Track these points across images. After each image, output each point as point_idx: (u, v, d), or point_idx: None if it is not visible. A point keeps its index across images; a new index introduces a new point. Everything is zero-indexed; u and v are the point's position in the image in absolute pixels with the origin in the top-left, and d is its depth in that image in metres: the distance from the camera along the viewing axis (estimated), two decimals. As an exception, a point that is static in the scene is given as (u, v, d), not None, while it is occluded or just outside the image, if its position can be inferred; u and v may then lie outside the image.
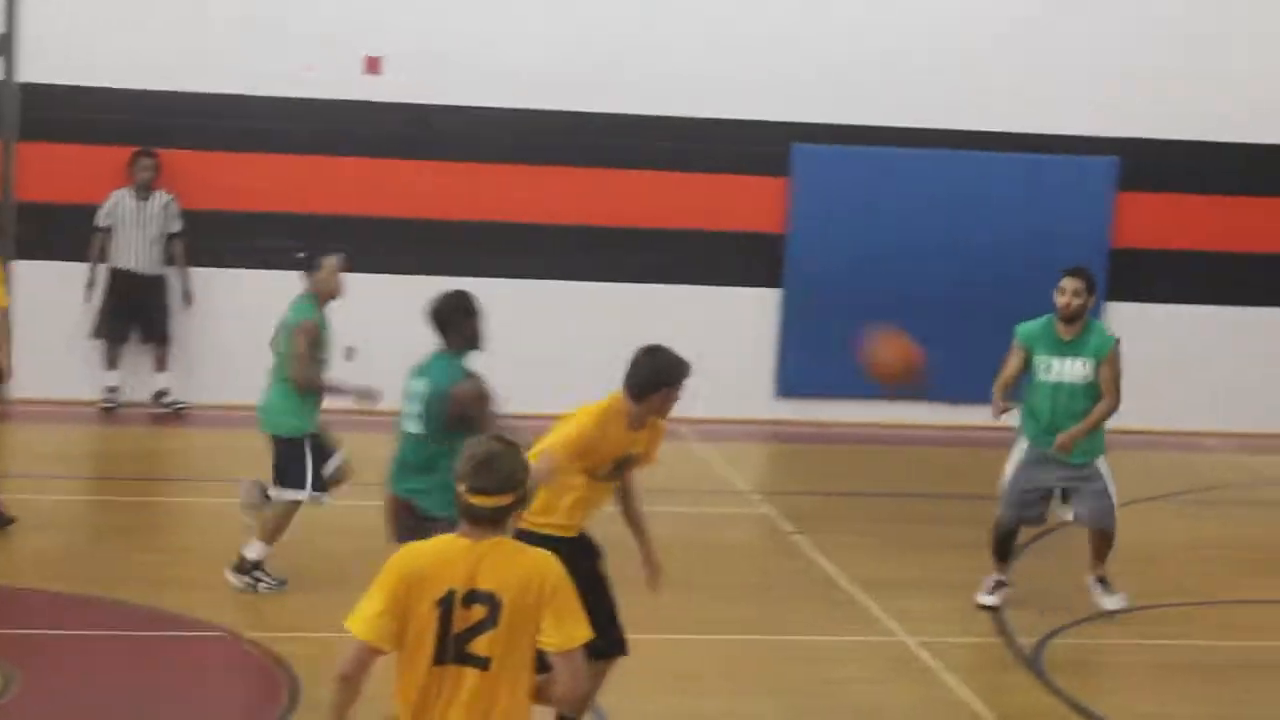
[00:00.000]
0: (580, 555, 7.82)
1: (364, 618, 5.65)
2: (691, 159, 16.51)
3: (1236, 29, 17.08)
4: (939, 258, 16.80)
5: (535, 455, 7.70)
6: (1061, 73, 16.87)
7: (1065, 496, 11.11)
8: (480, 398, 8.82)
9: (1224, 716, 9.88)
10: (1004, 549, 11.24)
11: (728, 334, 16.50)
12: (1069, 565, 11.74)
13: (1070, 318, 10.99)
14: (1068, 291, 10.99)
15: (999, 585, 11.23)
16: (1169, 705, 9.94)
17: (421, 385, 8.93)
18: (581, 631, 5.68)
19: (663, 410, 8.16)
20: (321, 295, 10.90)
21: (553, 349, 15.86)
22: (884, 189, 16.76)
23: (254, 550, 10.87)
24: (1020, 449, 11.10)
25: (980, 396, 16.72)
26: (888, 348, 10.63)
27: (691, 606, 10.61)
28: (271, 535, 10.86)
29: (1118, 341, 11.10)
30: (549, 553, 5.80)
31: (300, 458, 10.78)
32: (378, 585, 5.68)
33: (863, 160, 16.71)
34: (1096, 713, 9.52)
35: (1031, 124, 16.83)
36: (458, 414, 8.73)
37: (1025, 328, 11.22)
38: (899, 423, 16.69)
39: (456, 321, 8.92)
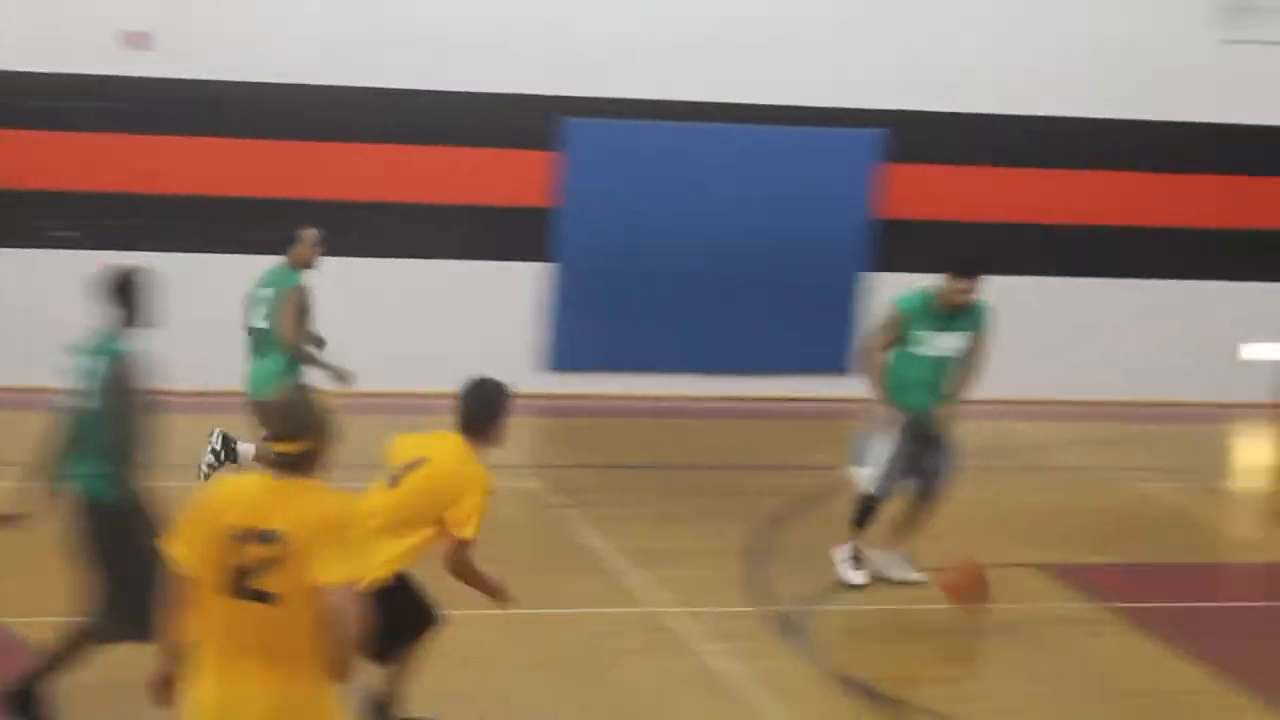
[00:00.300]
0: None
1: (175, 546, 6.13)
2: (460, 133, 16.76)
3: (998, 4, 17.81)
4: (709, 230, 17.28)
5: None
6: (829, 46, 17.39)
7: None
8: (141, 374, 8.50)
9: (980, 676, 10.50)
10: (868, 520, 11.57)
11: (498, 308, 16.88)
12: (835, 532, 12.24)
13: (962, 308, 11.41)
14: (967, 291, 11.38)
15: (859, 557, 11.63)
16: (929, 669, 10.47)
17: (92, 362, 8.51)
18: (358, 570, 6.01)
19: (501, 439, 8.35)
20: (300, 264, 11.92)
21: (321, 325, 16.05)
22: (655, 163, 17.17)
23: None
24: (891, 421, 11.31)
25: (752, 367, 17.53)
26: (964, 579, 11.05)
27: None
28: None
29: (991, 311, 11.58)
30: (347, 495, 6.17)
31: None
32: (182, 517, 6.15)
33: (634, 134, 17.10)
34: (856, 679, 9.99)
35: (800, 97, 17.33)
36: (122, 390, 8.40)
37: (907, 301, 11.43)
38: (668, 395, 17.22)
39: (130, 297, 8.57)
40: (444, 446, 8.25)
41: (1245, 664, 10.78)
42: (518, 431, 13.96)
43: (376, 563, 7.53)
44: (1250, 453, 17.99)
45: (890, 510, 11.66)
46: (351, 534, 6.04)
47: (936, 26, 17.67)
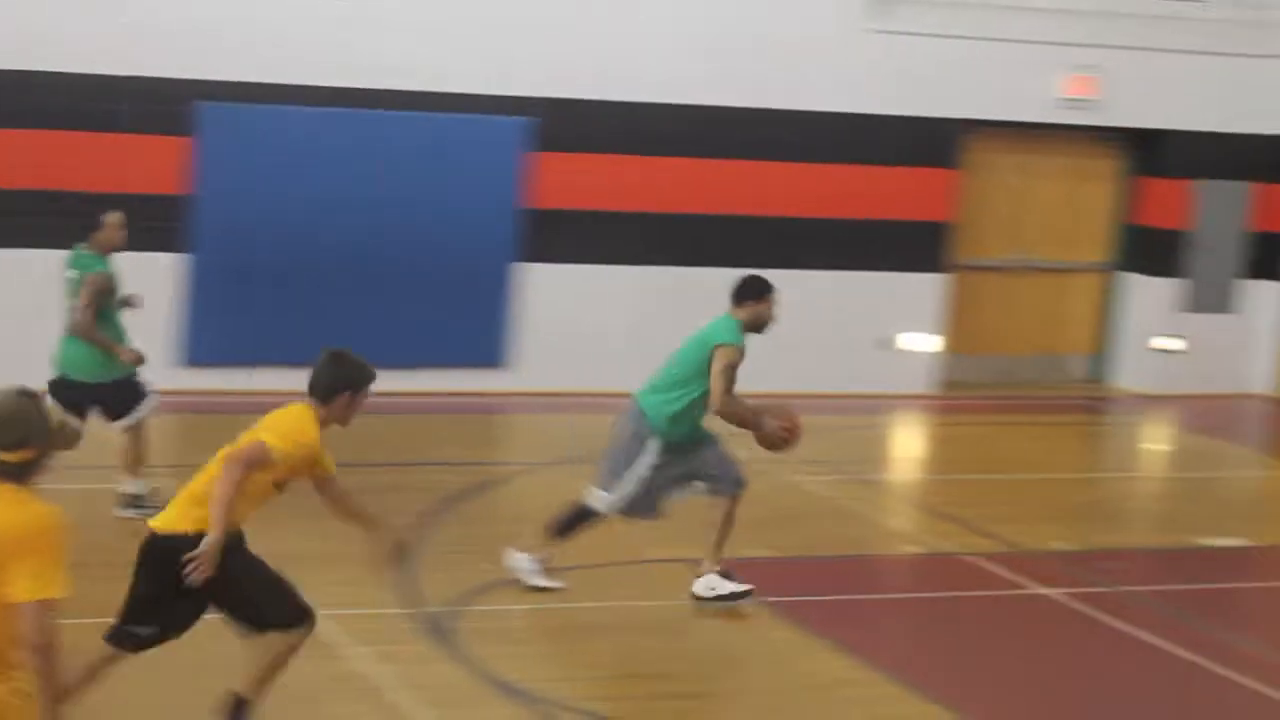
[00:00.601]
0: (232, 545, 8.41)
1: None
2: (92, 119, 16.44)
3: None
4: (351, 219, 17.19)
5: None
6: (476, 32, 17.45)
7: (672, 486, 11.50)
8: None
9: (629, 676, 10.67)
10: (572, 533, 11.56)
11: (131, 300, 16.60)
12: (485, 529, 12.30)
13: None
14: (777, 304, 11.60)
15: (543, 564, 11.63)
16: (579, 669, 10.60)
17: None
18: (53, 589, 5.94)
19: (345, 417, 8.65)
20: (104, 249, 12.43)
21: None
22: (298, 150, 17.01)
23: (131, 485, 12.50)
24: (654, 446, 11.33)
25: (402, 361, 17.48)
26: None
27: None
28: (136, 465, 12.45)
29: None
30: (54, 508, 6.09)
31: (127, 386, 12.38)
32: None
33: (275, 120, 16.93)
34: (504, 680, 10.06)
35: (447, 84, 17.34)
36: None
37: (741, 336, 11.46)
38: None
39: None
40: (283, 416, 8.63)
41: (895, 655, 11.14)
42: (152, 431, 13.86)
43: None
44: (901, 444, 18.55)
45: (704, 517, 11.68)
46: (48, 549, 5.96)
47: (585, 13, 17.85)
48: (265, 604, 8.67)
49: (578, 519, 11.57)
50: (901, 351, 19.34)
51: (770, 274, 18.33)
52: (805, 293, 18.87)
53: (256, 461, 8.39)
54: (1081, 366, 20.88)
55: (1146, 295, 20.60)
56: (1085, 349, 20.83)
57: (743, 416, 11.23)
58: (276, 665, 8.75)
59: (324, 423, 8.65)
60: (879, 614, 11.66)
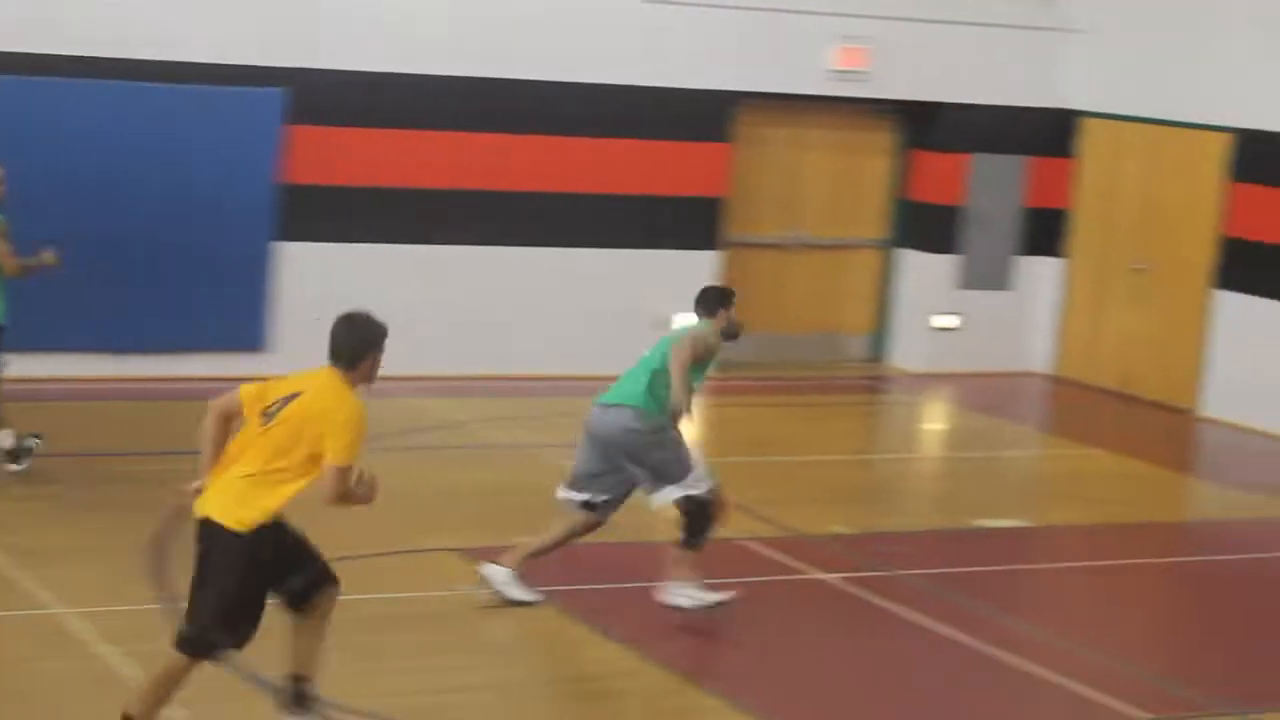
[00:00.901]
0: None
1: None
2: None
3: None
4: (96, 198, 16.89)
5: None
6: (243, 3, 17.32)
7: None
8: None
9: (403, 670, 10.64)
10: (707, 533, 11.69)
11: None
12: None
13: None
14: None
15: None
16: (348, 664, 10.55)
17: None
18: None
19: (371, 376, 8.90)
20: None
21: None
22: (42, 123, 16.67)
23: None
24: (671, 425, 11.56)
25: (150, 345, 17.25)
26: None
27: None
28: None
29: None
30: None
31: None
32: None
33: (14, 91, 16.57)
34: (267, 676, 9.94)
35: (195, 53, 17.09)
36: None
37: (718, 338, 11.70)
38: (71, 377, 16.79)
39: None
40: (316, 380, 8.80)
41: (670, 644, 11.23)
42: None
43: (257, 510, 8.57)
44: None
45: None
46: None
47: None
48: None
49: (700, 516, 11.59)
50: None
51: (539, 253, 18.68)
52: (576, 272, 18.96)
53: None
54: (859, 345, 21.15)
55: (923, 272, 20.91)
56: (862, 327, 21.10)
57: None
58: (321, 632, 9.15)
59: (353, 386, 8.89)
60: (654, 603, 11.72)
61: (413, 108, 18.11)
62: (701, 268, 19.32)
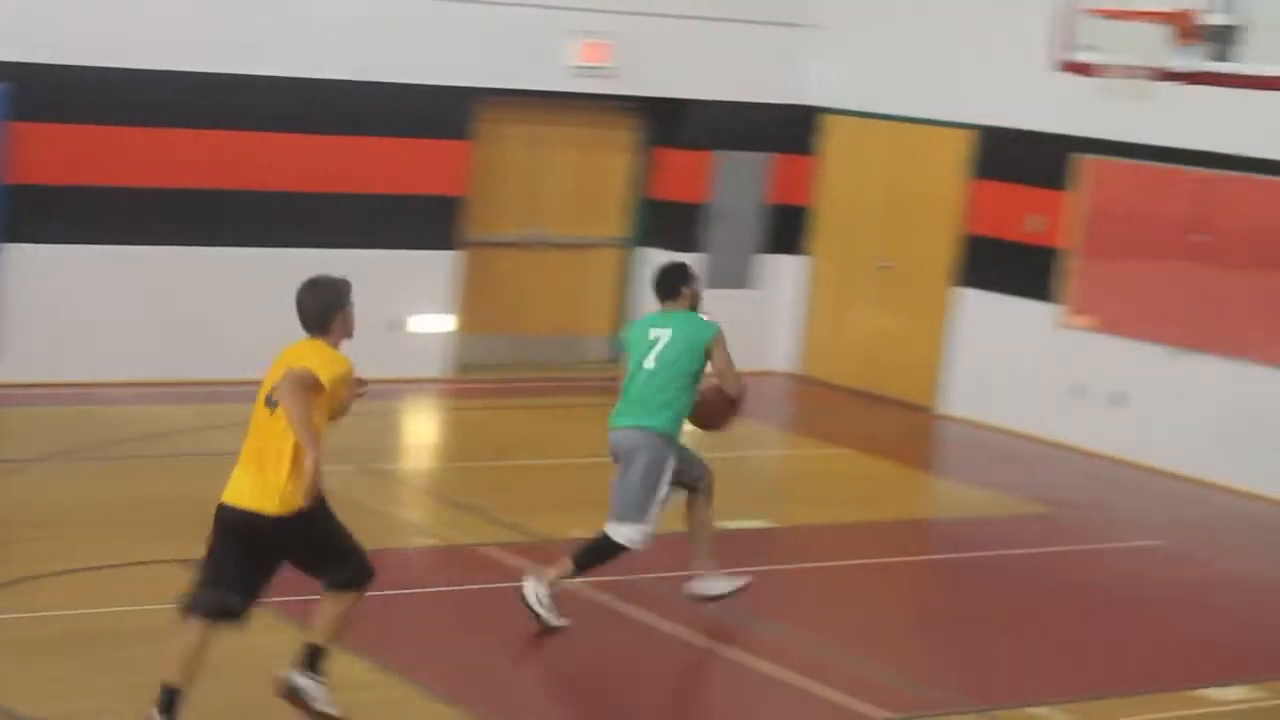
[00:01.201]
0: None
1: None
2: None
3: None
4: None
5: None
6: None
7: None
8: None
9: (131, 686, 10.53)
10: (596, 567, 11.91)
11: None
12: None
13: None
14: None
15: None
16: (70, 682, 10.45)
17: None
18: None
19: (348, 330, 9.40)
20: None
21: None
22: None
23: None
24: (671, 463, 11.85)
25: None
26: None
27: None
28: None
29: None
30: None
31: None
32: None
33: None
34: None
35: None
36: None
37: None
38: None
39: None
40: (302, 350, 9.17)
41: (410, 654, 11.25)
42: None
43: (284, 495, 9.10)
44: (414, 431, 18.64)
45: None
46: None
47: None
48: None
49: (603, 555, 11.81)
50: (413, 334, 19.42)
51: (276, 253, 18.52)
52: (310, 273, 18.79)
53: (310, 382, 8.95)
54: (601, 347, 21.25)
55: (664, 271, 21.02)
56: (604, 328, 21.20)
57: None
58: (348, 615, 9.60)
59: (335, 346, 9.30)
60: (392, 612, 11.72)
61: (143, 104, 17.91)
62: (440, 268, 19.36)
